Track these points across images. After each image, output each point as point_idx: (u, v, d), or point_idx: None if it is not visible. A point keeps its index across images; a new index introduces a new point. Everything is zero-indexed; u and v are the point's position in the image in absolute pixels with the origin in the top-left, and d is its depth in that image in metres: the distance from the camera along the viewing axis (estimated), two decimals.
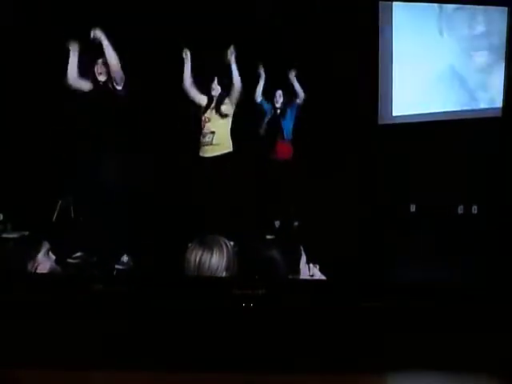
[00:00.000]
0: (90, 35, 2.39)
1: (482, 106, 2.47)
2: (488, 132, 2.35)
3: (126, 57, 2.46)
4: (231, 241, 2.09)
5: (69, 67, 2.44)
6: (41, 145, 2.44)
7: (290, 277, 2.11)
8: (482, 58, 2.40)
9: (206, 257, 2.00)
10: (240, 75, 2.54)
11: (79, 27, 2.39)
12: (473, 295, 2.17)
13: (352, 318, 2.13)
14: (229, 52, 2.49)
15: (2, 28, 2.29)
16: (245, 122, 2.61)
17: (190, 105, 2.60)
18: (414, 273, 2.28)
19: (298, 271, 2.11)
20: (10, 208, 2.44)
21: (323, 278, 2.15)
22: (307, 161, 2.55)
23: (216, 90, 2.63)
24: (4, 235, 2.41)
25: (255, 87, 2.63)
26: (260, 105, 2.69)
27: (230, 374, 1.93)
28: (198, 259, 2.00)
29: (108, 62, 2.47)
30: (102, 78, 2.53)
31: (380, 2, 2.47)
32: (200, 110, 2.63)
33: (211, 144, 2.59)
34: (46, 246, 2.21)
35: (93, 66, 2.51)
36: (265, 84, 2.63)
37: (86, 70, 2.49)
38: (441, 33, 2.44)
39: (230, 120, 2.60)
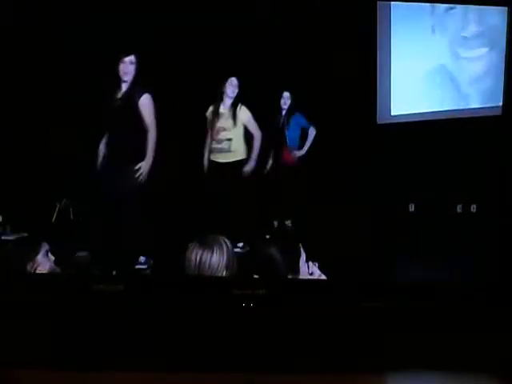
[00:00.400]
0: None
1: (480, 104, 2.47)
2: (486, 131, 2.36)
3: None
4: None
5: None
6: (39, 146, 2.44)
7: (290, 276, 2.12)
8: (478, 55, 2.41)
9: (207, 256, 2.03)
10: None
11: None
12: (473, 295, 2.17)
13: (352, 317, 2.13)
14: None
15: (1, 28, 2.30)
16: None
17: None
18: (413, 273, 2.28)
19: (297, 270, 2.12)
20: (9, 210, 2.43)
21: (323, 277, 2.15)
22: (307, 160, 2.55)
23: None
24: (3, 237, 2.40)
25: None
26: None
27: (229, 373, 1.93)
28: (198, 258, 2.03)
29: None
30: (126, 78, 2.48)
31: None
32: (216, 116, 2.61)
33: (229, 151, 2.59)
34: (45, 247, 2.21)
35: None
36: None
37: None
38: (434, 31, 2.45)
39: (243, 127, 2.59)
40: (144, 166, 2.47)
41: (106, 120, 2.46)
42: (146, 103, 2.46)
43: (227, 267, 2.05)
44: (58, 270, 2.20)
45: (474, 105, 2.48)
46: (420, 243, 2.40)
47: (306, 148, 2.57)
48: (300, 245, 2.17)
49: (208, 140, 2.60)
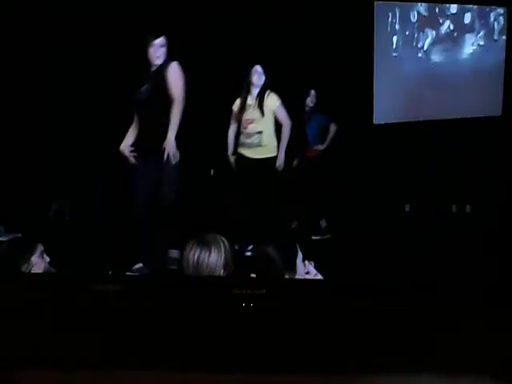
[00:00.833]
0: None
1: (477, 106, 2.49)
2: (482, 132, 2.38)
3: None
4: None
5: None
6: (35, 147, 2.43)
7: (287, 276, 2.12)
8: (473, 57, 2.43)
9: (204, 255, 2.04)
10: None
11: None
12: (472, 295, 2.17)
13: (352, 318, 2.13)
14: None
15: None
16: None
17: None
18: (413, 272, 2.29)
19: (294, 269, 2.12)
20: (3, 211, 2.41)
21: (320, 277, 2.16)
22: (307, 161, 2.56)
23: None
24: None
25: None
26: None
27: (230, 373, 1.92)
28: (196, 257, 2.04)
29: None
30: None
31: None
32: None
33: (259, 145, 2.56)
34: (39, 248, 2.20)
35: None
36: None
37: None
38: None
39: (272, 116, 2.55)
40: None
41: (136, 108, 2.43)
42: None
43: (225, 266, 2.06)
44: (53, 270, 2.18)
45: (472, 107, 2.50)
46: (417, 242, 2.41)
47: (327, 143, 2.59)
48: (297, 244, 2.18)
49: (235, 133, 2.57)
